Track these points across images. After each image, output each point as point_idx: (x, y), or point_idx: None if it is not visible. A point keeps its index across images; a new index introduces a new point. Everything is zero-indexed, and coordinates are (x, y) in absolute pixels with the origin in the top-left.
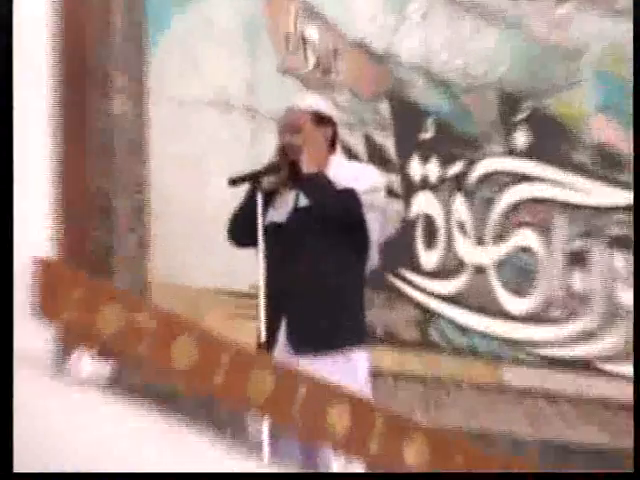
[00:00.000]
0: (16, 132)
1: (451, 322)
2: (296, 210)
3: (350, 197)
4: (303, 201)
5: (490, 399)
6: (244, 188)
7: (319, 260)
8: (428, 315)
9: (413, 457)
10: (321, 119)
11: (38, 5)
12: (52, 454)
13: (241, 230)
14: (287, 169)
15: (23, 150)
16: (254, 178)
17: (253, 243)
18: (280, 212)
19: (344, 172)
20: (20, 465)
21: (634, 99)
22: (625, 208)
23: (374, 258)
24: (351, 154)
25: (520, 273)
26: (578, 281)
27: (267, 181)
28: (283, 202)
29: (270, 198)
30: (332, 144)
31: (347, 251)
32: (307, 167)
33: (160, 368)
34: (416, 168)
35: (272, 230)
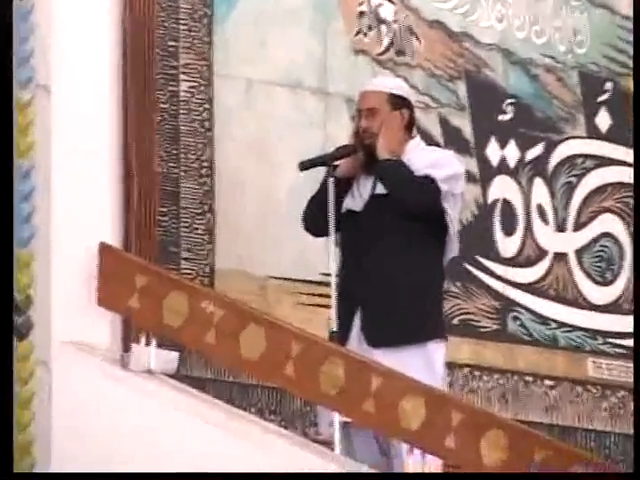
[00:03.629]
0: (81, 116)
1: (530, 312)
2: (373, 198)
3: (429, 185)
4: (381, 188)
5: (571, 392)
6: (318, 173)
7: (396, 250)
8: (506, 305)
9: (490, 452)
10: (397, 101)
11: None
12: (112, 448)
13: (316, 218)
14: (362, 153)
15: (89, 134)
16: (326, 162)
17: (328, 232)
18: (357, 200)
19: (422, 158)
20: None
21: (634, 99)
22: None
23: (454, 248)
24: (427, 137)
25: (602, 260)
26: None
27: (341, 166)
28: (360, 189)
29: (347, 185)
30: (409, 127)
31: (426, 241)
32: (383, 152)
33: (228, 358)
34: (494, 151)
35: (348, 218)
